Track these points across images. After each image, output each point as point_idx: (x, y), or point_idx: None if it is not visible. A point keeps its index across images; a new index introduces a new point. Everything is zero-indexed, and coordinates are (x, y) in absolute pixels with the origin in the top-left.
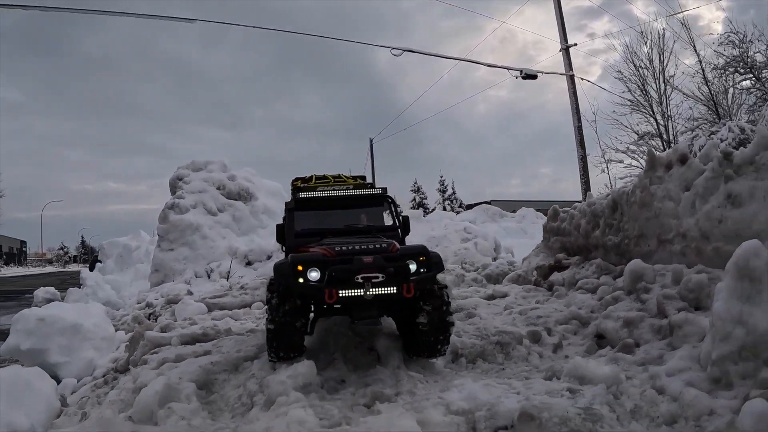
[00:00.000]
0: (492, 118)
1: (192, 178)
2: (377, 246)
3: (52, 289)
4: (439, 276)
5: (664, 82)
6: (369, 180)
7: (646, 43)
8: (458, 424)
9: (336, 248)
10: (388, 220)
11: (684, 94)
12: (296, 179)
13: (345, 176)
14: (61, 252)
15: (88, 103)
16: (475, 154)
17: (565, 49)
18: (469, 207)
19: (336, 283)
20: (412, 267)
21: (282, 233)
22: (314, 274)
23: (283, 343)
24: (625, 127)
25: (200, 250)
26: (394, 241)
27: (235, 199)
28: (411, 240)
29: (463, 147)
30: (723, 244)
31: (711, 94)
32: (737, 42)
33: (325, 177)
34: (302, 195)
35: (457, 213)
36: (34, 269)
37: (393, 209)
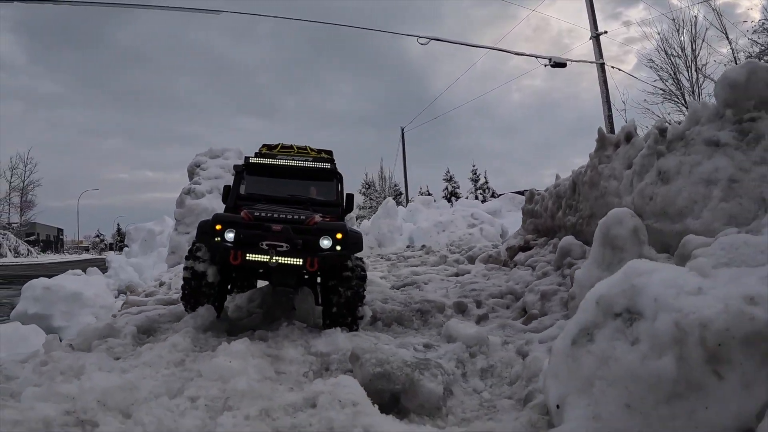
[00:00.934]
0: (527, 108)
1: (209, 164)
2: (294, 217)
3: (79, 271)
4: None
5: (696, 70)
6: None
7: (678, 30)
8: (311, 362)
9: (255, 213)
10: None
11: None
12: (264, 146)
13: (311, 148)
14: (97, 239)
15: (123, 94)
16: (509, 143)
17: (595, 37)
18: (500, 196)
19: (243, 246)
20: (326, 243)
21: (228, 194)
22: (230, 235)
23: (192, 296)
24: (657, 116)
25: None
26: (315, 215)
27: None
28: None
29: (497, 136)
30: (652, 222)
31: None
32: None
33: (290, 147)
34: (252, 160)
35: (483, 202)
36: (70, 256)
37: (338, 186)
